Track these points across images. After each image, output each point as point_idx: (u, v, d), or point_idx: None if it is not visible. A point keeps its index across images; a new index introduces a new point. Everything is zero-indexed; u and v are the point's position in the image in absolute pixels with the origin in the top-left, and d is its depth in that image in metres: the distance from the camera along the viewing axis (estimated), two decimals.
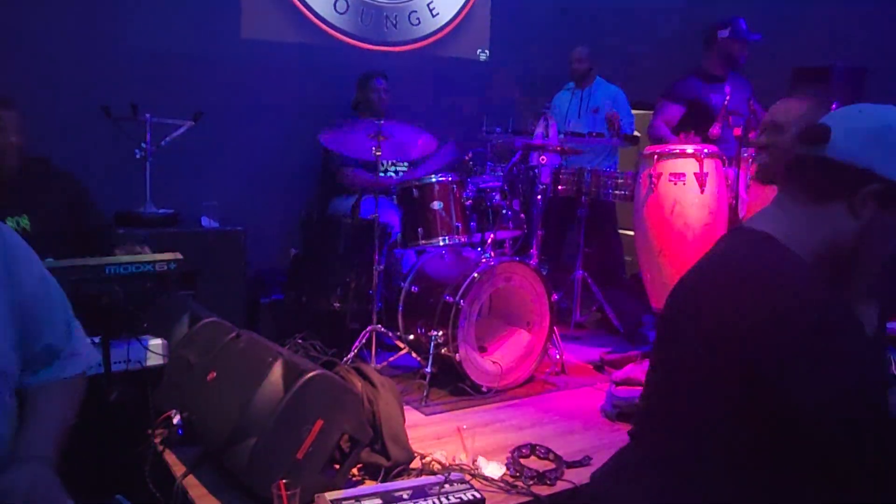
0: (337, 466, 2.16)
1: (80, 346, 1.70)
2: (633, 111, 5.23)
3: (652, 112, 4.58)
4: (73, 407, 1.63)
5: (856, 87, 4.10)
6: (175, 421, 2.27)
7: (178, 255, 2.55)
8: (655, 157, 3.76)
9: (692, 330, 1.24)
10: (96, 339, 2.17)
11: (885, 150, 1.21)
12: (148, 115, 3.85)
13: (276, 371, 2.11)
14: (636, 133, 5.03)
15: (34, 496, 1.35)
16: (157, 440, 2.38)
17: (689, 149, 3.67)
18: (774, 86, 4.20)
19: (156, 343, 2.54)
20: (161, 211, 3.87)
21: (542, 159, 4.33)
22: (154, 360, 2.52)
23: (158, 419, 2.33)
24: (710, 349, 1.18)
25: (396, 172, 4.59)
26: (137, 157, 3.83)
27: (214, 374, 2.29)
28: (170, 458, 2.35)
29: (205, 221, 3.98)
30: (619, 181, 4.43)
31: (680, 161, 3.68)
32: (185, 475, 2.22)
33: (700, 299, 1.25)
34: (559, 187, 4.50)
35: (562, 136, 4.68)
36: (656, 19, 6.18)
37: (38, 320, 1.59)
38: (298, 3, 4.84)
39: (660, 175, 3.71)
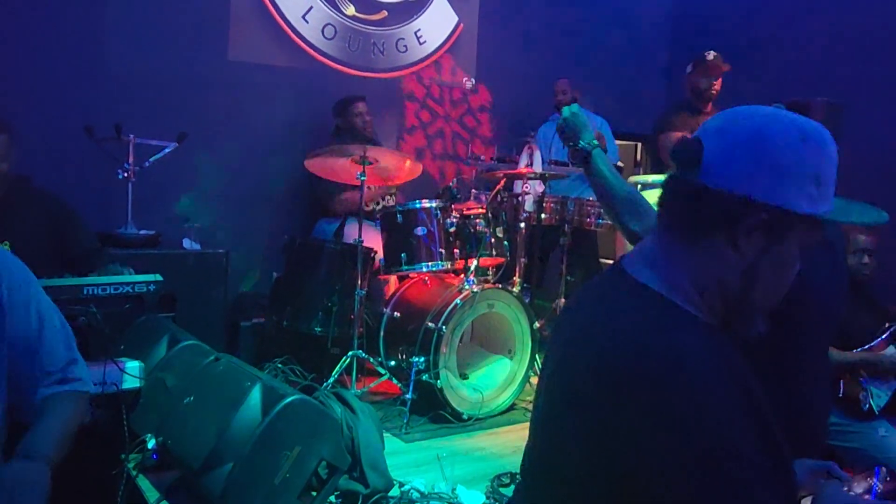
0: (314, 493, 2.13)
1: (84, 373, 1.80)
2: (617, 142, 5.29)
3: (637, 143, 4.62)
4: (78, 416, 1.70)
5: (834, 122, 4.16)
6: (150, 445, 2.23)
7: (158, 277, 2.52)
8: (639, 186, 3.80)
9: (570, 410, 1.01)
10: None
11: (765, 169, 0.97)
12: (132, 136, 3.84)
13: (255, 396, 2.08)
14: (620, 163, 5.09)
15: (16, 494, 1.35)
16: (132, 465, 2.33)
17: None
18: None
19: (133, 365, 2.50)
20: (142, 232, 3.84)
21: (526, 187, 4.37)
22: (131, 382, 2.48)
23: (133, 443, 2.29)
24: (583, 443, 0.97)
25: (384, 197, 4.59)
26: (120, 177, 3.81)
27: (192, 397, 2.26)
28: (144, 483, 2.31)
29: (186, 243, 3.95)
30: (602, 210, 4.47)
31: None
32: (158, 501, 2.18)
33: (580, 380, 1.00)
34: (542, 215, 4.53)
35: (546, 164, 4.72)
36: (640, 52, 6.28)
37: (40, 353, 1.67)
38: (286, 28, 4.87)
39: None
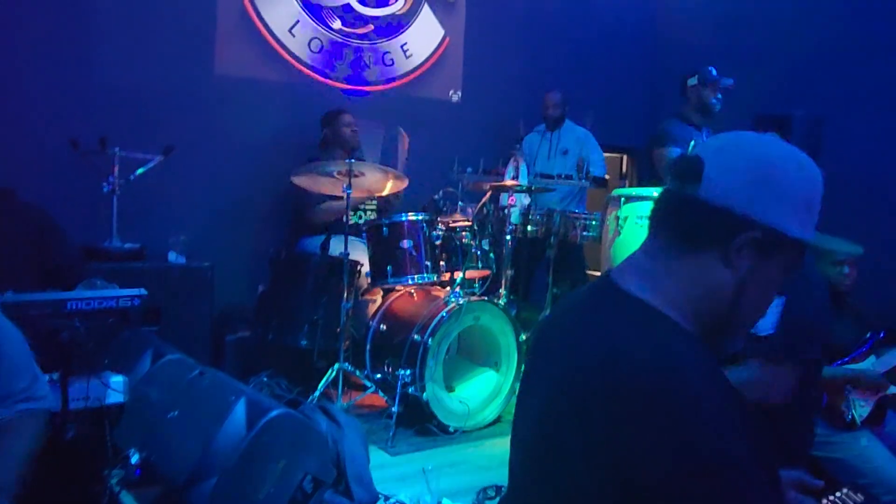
0: None
1: (45, 389, 1.79)
2: (603, 154, 5.33)
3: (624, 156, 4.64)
4: (38, 438, 1.69)
5: (814, 135, 4.22)
6: (133, 461, 2.21)
7: (142, 291, 2.52)
8: (623, 199, 3.83)
9: (570, 425, 1.01)
10: (54, 376, 2.12)
11: (764, 191, 1.02)
12: (117, 149, 3.83)
13: (239, 410, 2.08)
14: (606, 175, 5.12)
15: None
16: (115, 480, 2.31)
17: (656, 192, 3.74)
18: None
19: (116, 380, 2.49)
20: (127, 245, 3.82)
21: (512, 200, 4.39)
22: (114, 397, 2.47)
23: (116, 458, 2.27)
24: (588, 458, 0.98)
25: (366, 212, 4.60)
26: (105, 191, 3.79)
27: (176, 412, 2.25)
28: (127, 499, 2.29)
29: (172, 257, 3.94)
30: (588, 222, 4.50)
31: (647, 204, 3.75)
32: None
33: (580, 395, 1.01)
34: (528, 228, 4.55)
35: (532, 177, 4.75)
36: (625, 65, 6.34)
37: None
38: (272, 41, 4.88)
39: (626, 217, 3.77)
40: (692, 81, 4.40)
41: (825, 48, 4.97)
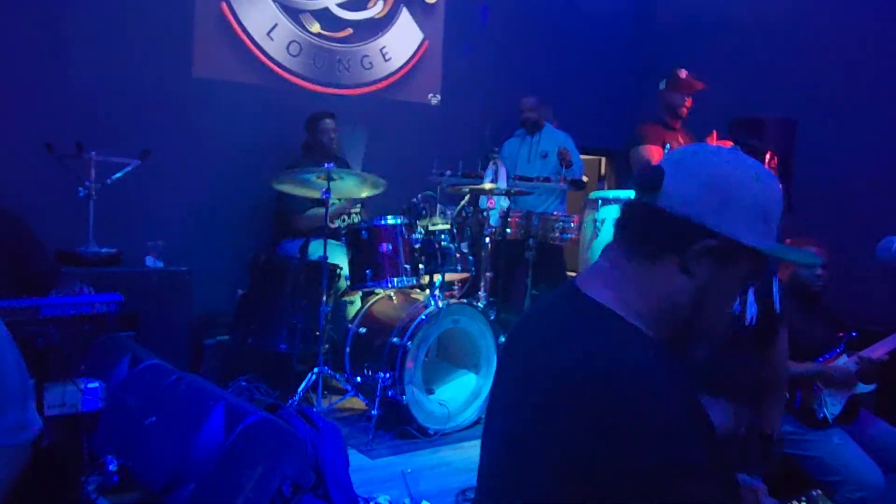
0: None
1: (32, 417, 1.74)
2: (581, 156, 5.37)
3: (603, 158, 4.68)
4: (17, 471, 1.66)
5: (787, 137, 4.28)
6: (110, 467, 2.20)
7: (119, 296, 2.50)
8: (601, 201, 3.86)
9: (534, 430, 1.03)
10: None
11: (720, 201, 1.05)
12: (93, 153, 3.80)
13: (217, 415, 2.08)
14: (584, 178, 5.16)
15: None
16: (91, 487, 2.30)
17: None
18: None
19: (93, 386, 2.47)
20: (104, 250, 3.79)
21: (491, 202, 4.41)
22: (91, 403, 2.45)
23: (93, 465, 2.26)
24: (549, 462, 0.99)
25: (349, 215, 4.60)
26: (81, 195, 3.76)
27: (154, 418, 2.24)
28: None
29: (149, 261, 3.91)
30: (566, 225, 4.53)
31: None
32: None
33: (543, 400, 1.02)
34: (507, 230, 4.57)
35: (511, 180, 4.78)
36: (604, 68, 6.40)
37: None
38: (251, 45, 4.87)
39: (604, 220, 3.81)
40: (662, 85, 4.46)
41: (798, 53, 5.05)
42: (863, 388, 3.01)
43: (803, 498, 1.27)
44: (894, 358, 3.03)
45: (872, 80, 4.64)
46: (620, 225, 1.15)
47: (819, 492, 1.29)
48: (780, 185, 1.13)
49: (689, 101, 4.42)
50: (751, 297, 2.23)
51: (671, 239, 1.07)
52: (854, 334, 3.07)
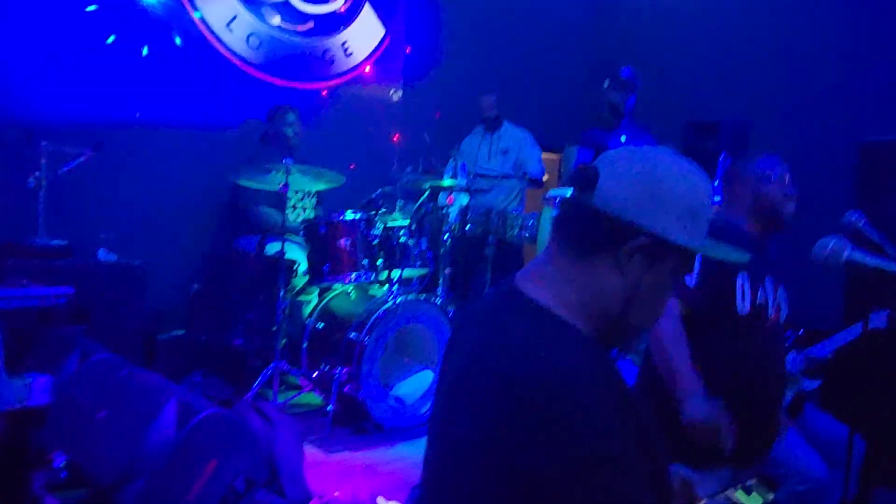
0: None
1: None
2: (543, 155, 5.42)
3: (560, 156, 4.74)
4: None
5: (741, 139, 4.39)
6: (57, 463, 2.16)
7: (69, 289, 2.45)
8: (558, 199, 3.91)
9: (467, 424, 1.06)
10: None
11: (651, 200, 1.08)
12: (44, 143, 3.70)
13: (170, 410, 2.05)
14: (545, 177, 5.22)
15: None
16: (38, 484, 2.25)
17: None
18: (669, 139, 4.46)
19: (41, 381, 2.42)
20: (53, 242, 3.69)
21: (450, 199, 4.43)
22: (38, 399, 2.40)
23: (40, 462, 2.21)
24: (479, 455, 1.02)
25: (304, 209, 4.58)
26: (31, 186, 3.66)
27: (104, 413, 2.20)
28: (51, 503, 2.23)
29: (102, 254, 3.83)
30: (525, 222, 4.57)
31: None
32: None
33: (476, 394, 1.05)
34: (466, 227, 4.59)
35: (471, 176, 4.80)
36: (564, 66, 6.46)
37: None
38: (210, 36, 4.80)
39: None
40: (605, 84, 4.53)
41: (751, 57, 5.17)
42: (808, 384, 3.10)
43: (739, 487, 1.31)
44: (839, 355, 3.12)
45: (821, 84, 4.78)
46: (557, 223, 1.18)
47: (754, 480, 1.33)
48: (710, 184, 1.16)
49: (630, 100, 4.49)
50: (746, 285, 2.24)
51: (604, 237, 1.10)
52: (801, 332, 3.15)
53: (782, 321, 2.33)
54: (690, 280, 2.14)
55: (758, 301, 2.20)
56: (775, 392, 2.40)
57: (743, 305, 2.16)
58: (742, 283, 2.18)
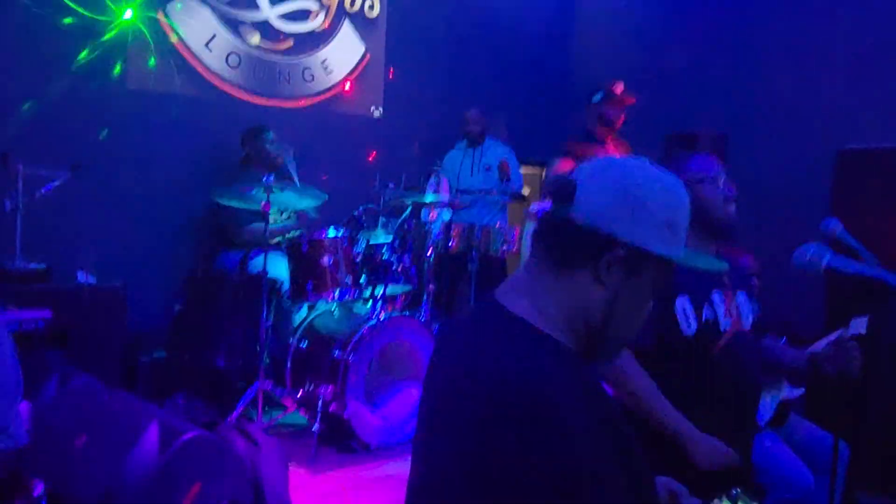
0: None
1: (16, 426, 1.75)
2: (522, 169, 5.44)
3: (544, 170, 4.74)
4: None
5: (719, 151, 4.43)
6: (35, 493, 2.12)
7: (47, 313, 2.42)
8: (540, 213, 3.91)
9: (450, 438, 1.06)
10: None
11: (627, 211, 1.08)
12: (20, 166, 3.66)
13: (152, 433, 2.02)
14: (525, 191, 5.23)
15: None
16: None
17: None
18: (647, 151, 4.48)
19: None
20: (32, 265, 3.65)
21: (433, 215, 4.43)
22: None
23: (17, 490, 2.16)
24: (459, 469, 1.03)
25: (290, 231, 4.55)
26: (7, 209, 3.62)
27: (84, 438, 2.16)
28: None
29: (81, 276, 3.78)
30: (508, 237, 4.57)
31: None
32: None
33: (460, 408, 1.06)
34: (450, 243, 4.59)
35: (454, 192, 4.80)
36: (545, 81, 6.51)
37: None
38: (189, 56, 4.78)
39: None
40: (597, 98, 4.52)
41: (728, 70, 5.24)
42: (791, 392, 3.12)
43: (724, 497, 1.31)
44: None
45: (797, 94, 4.85)
46: (537, 236, 1.18)
47: (739, 490, 1.32)
48: (688, 195, 1.16)
49: (623, 116, 4.51)
50: (688, 307, 2.16)
51: (583, 249, 1.10)
52: (783, 340, 3.17)
53: (748, 327, 2.24)
54: None
55: (703, 319, 2.08)
56: (751, 399, 2.35)
57: (688, 328, 2.05)
58: (683, 307, 2.06)
